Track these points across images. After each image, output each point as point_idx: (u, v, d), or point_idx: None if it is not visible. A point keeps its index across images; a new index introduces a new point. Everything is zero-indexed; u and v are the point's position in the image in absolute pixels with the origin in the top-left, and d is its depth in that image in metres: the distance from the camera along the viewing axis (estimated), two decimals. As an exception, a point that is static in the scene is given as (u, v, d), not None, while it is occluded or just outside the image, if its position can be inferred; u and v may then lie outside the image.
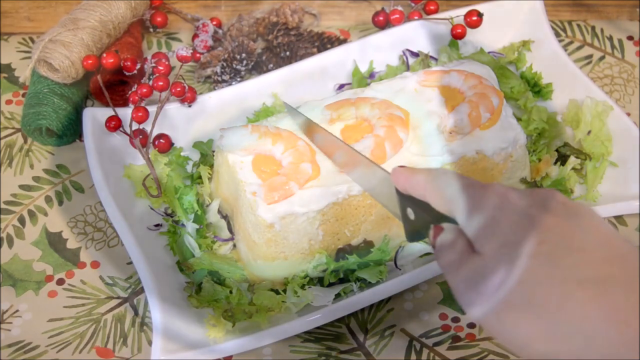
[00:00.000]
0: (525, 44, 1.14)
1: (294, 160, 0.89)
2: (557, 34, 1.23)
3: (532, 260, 0.55)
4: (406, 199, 0.67)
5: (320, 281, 0.92)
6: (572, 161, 1.01)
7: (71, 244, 0.98)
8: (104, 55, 1.05)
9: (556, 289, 0.53)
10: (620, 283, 0.53)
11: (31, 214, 1.01)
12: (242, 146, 0.90)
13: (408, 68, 1.12)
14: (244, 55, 1.13)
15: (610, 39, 1.23)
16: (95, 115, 1.01)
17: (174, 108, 1.04)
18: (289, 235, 0.87)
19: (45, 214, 1.01)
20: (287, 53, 1.16)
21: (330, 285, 0.91)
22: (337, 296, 0.90)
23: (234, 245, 0.96)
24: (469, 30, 1.12)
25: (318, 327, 0.90)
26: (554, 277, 0.54)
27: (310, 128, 0.90)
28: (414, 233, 0.67)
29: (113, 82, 1.10)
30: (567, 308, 0.53)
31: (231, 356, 0.87)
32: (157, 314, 0.83)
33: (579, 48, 1.22)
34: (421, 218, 0.65)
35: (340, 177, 0.89)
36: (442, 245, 0.62)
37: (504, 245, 0.56)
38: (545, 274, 0.54)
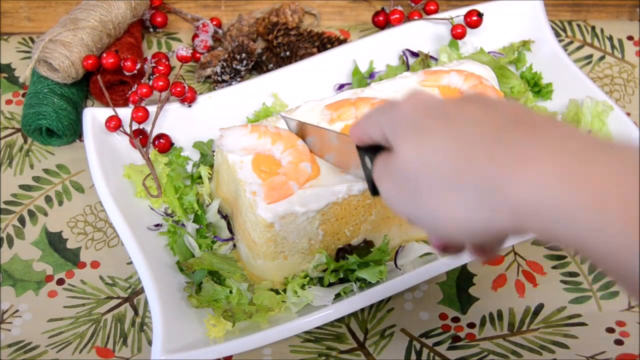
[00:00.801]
0: (525, 44, 1.14)
1: (294, 159, 0.89)
2: (557, 34, 1.23)
3: (436, 137, 0.55)
4: (364, 150, 0.68)
5: (320, 281, 0.92)
6: (572, 161, 1.01)
7: (71, 244, 0.98)
8: (104, 55, 1.05)
9: (461, 157, 0.54)
10: (529, 140, 0.52)
11: (31, 214, 1.01)
12: (242, 146, 0.90)
13: (408, 68, 1.12)
14: (244, 55, 1.13)
15: (610, 39, 1.23)
16: (95, 115, 1.01)
17: (174, 108, 1.04)
18: (289, 234, 0.87)
19: (46, 214, 1.01)
20: (287, 53, 1.16)
21: (330, 285, 0.91)
22: (337, 296, 0.90)
23: (234, 245, 0.96)
24: (469, 30, 1.12)
25: (318, 327, 0.90)
26: (463, 150, 0.54)
27: (302, 131, 0.91)
28: (374, 182, 0.67)
29: (113, 82, 1.10)
30: (472, 171, 0.53)
31: (231, 356, 0.87)
32: (157, 314, 0.83)
33: (579, 48, 1.22)
34: (373, 137, 0.66)
35: (340, 177, 0.89)
36: (374, 165, 0.64)
37: (412, 133, 0.57)
38: (449, 148, 0.54)
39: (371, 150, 0.67)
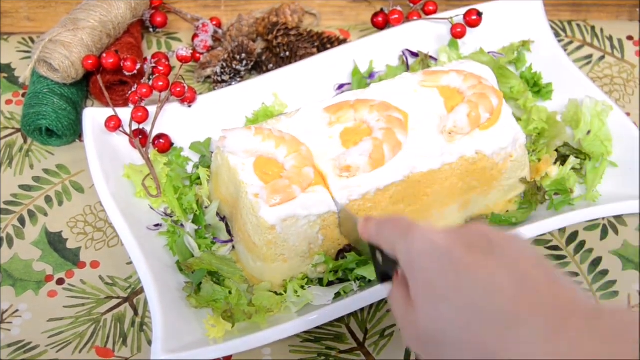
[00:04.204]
0: (525, 44, 1.14)
1: (297, 164, 0.89)
2: (557, 34, 1.23)
3: (450, 308, 0.59)
4: (373, 245, 0.72)
5: (319, 282, 0.92)
6: (572, 161, 1.01)
7: (71, 244, 0.98)
8: (104, 55, 1.06)
9: (473, 334, 0.57)
10: (529, 322, 0.55)
11: (31, 214, 1.01)
12: (245, 148, 0.90)
13: (408, 68, 1.12)
14: (243, 55, 1.13)
15: (610, 39, 1.23)
16: (95, 116, 1.01)
17: (173, 108, 1.04)
18: (290, 237, 0.87)
19: (45, 214, 1.01)
20: (287, 53, 1.16)
21: (330, 284, 0.91)
22: (337, 295, 0.90)
23: (233, 247, 0.96)
24: (468, 30, 1.12)
25: (318, 327, 0.90)
26: (473, 324, 0.57)
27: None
28: (383, 275, 0.71)
29: (113, 82, 1.10)
30: (483, 349, 0.57)
31: (231, 356, 0.88)
32: (157, 314, 0.83)
33: (578, 48, 1.22)
34: (387, 261, 0.69)
35: (341, 182, 0.89)
36: (390, 296, 0.67)
37: (430, 294, 0.60)
38: (464, 321, 0.58)
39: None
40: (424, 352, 0.62)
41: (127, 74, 1.07)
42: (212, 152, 1.01)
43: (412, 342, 0.63)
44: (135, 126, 1.00)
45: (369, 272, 0.90)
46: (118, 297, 0.94)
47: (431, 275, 0.60)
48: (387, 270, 0.70)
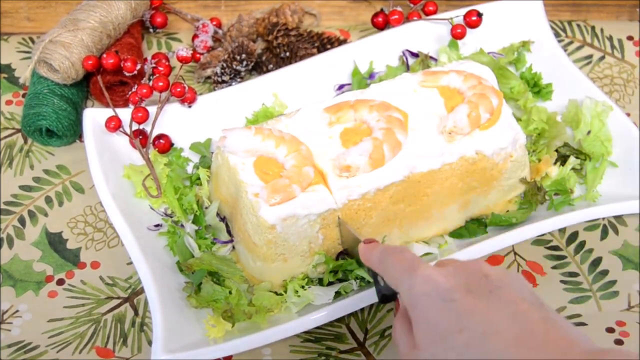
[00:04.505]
0: (525, 45, 1.14)
1: (297, 163, 0.89)
2: (557, 34, 1.23)
3: (454, 350, 0.61)
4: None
5: (319, 282, 0.92)
6: (572, 161, 1.01)
7: (71, 245, 0.98)
8: (104, 55, 1.06)
9: None
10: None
11: (31, 214, 1.01)
12: (245, 148, 0.90)
13: (408, 68, 1.13)
14: (243, 55, 1.13)
15: (610, 39, 1.23)
16: (95, 116, 1.01)
17: (174, 108, 1.04)
18: (290, 237, 0.87)
19: (46, 215, 1.01)
20: (287, 53, 1.16)
21: (330, 284, 0.91)
22: (337, 295, 0.90)
23: (233, 247, 0.96)
24: (468, 30, 1.12)
25: (318, 327, 0.90)
26: None
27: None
28: (384, 297, 0.73)
29: (113, 83, 1.10)
30: None
31: (231, 356, 0.88)
32: (158, 314, 0.84)
33: (578, 48, 1.22)
34: (387, 287, 0.72)
35: (340, 182, 0.89)
36: (394, 329, 0.70)
37: (432, 335, 0.63)
38: None
39: None
40: None
41: (127, 74, 1.07)
42: (213, 153, 1.01)
43: None
44: (135, 126, 1.00)
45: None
46: (118, 298, 0.94)
47: (433, 317, 0.63)
48: (387, 293, 0.72)
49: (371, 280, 0.89)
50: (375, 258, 0.73)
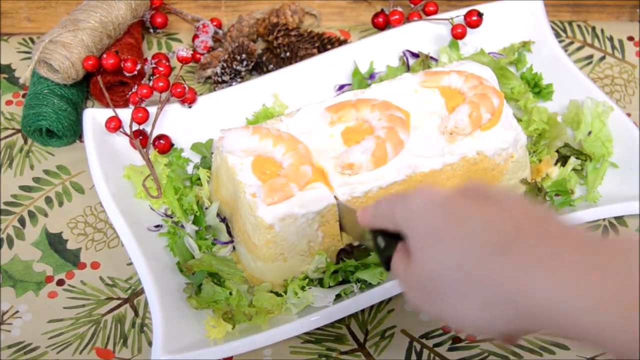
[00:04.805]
0: (525, 45, 1.13)
1: (295, 162, 0.88)
2: (558, 35, 1.23)
3: (450, 248, 0.59)
4: (375, 231, 0.72)
5: (320, 282, 0.92)
6: (573, 162, 1.01)
7: (71, 245, 0.98)
8: (104, 56, 1.05)
9: (473, 267, 0.57)
10: (530, 246, 0.56)
11: (31, 214, 1.01)
12: (242, 147, 0.90)
13: (408, 69, 1.12)
14: (244, 55, 1.13)
15: (611, 39, 1.23)
16: (95, 116, 1.01)
17: (174, 109, 1.04)
18: (289, 236, 0.87)
19: (46, 215, 1.01)
20: (288, 54, 1.16)
21: (331, 286, 0.91)
22: (338, 297, 0.90)
23: (233, 248, 0.96)
24: (469, 30, 1.12)
25: (318, 328, 0.90)
26: (474, 258, 0.57)
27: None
28: (387, 260, 0.70)
29: (113, 83, 1.10)
30: (485, 280, 0.57)
31: (231, 357, 0.87)
32: (158, 315, 0.84)
33: (579, 49, 1.22)
34: (388, 243, 0.69)
35: (342, 179, 0.89)
36: (392, 265, 0.67)
37: (429, 240, 0.61)
38: (462, 258, 0.58)
39: (379, 230, 0.70)
40: (427, 302, 0.62)
41: (127, 74, 1.07)
42: (213, 153, 1.01)
43: (414, 295, 0.63)
44: (135, 127, 1.00)
45: (370, 275, 0.89)
46: (118, 298, 0.94)
47: (430, 223, 0.61)
48: (390, 254, 0.69)
49: (373, 283, 0.89)
50: (370, 210, 0.70)
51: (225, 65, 1.13)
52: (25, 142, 1.09)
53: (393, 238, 0.68)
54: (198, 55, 1.15)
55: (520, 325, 0.57)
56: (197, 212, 0.96)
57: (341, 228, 0.90)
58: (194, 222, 0.96)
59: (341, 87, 1.11)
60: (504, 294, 0.56)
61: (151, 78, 1.06)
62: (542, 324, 0.55)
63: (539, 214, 0.59)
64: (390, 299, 0.93)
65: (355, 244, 0.92)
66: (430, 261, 0.60)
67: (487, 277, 0.57)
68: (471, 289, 0.57)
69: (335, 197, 0.88)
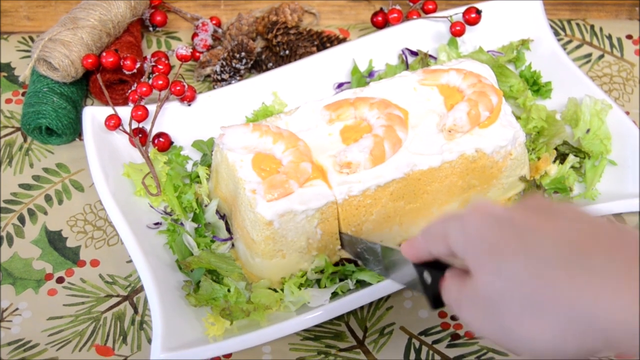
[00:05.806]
0: (524, 43, 1.14)
1: (295, 159, 0.89)
2: (556, 33, 1.23)
3: (514, 262, 0.55)
4: (420, 266, 0.68)
5: (318, 282, 0.92)
6: (571, 159, 1.01)
7: (71, 243, 0.98)
8: (104, 54, 1.06)
9: (543, 283, 0.54)
10: (603, 262, 0.53)
11: (31, 212, 1.01)
12: (243, 144, 0.90)
13: (407, 67, 1.13)
14: (243, 54, 1.13)
15: (610, 37, 1.23)
16: (94, 114, 1.01)
17: (173, 107, 1.05)
18: (288, 233, 0.87)
19: (45, 213, 1.01)
20: (287, 52, 1.16)
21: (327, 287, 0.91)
22: (334, 295, 0.90)
23: (232, 245, 0.96)
24: (468, 29, 1.12)
25: (317, 325, 0.90)
26: (539, 274, 0.54)
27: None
28: (435, 297, 0.67)
29: (113, 81, 1.10)
30: (557, 297, 0.53)
31: (230, 354, 0.88)
32: (157, 312, 0.84)
33: (578, 47, 1.22)
34: (435, 276, 0.66)
35: (340, 177, 0.89)
36: (444, 291, 0.64)
37: (490, 257, 0.57)
38: (529, 273, 0.54)
39: (427, 265, 0.67)
40: (483, 321, 0.59)
41: (126, 72, 1.07)
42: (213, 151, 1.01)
43: (472, 316, 0.60)
44: (135, 125, 1.01)
45: (369, 276, 0.90)
46: (118, 296, 0.94)
47: (492, 241, 0.57)
48: (436, 287, 0.66)
49: (372, 283, 0.89)
50: (418, 240, 0.66)
51: (224, 63, 1.13)
52: (25, 140, 1.09)
53: (439, 271, 0.65)
54: (197, 54, 1.16)
55: (595, 346, 0.53)
56: (196, 209, 0.97)
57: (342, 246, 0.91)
58: (193, 220, 0.96)
59: (340, 86, 1.11)
60: (580, 310, 0.52)
61: (150, 76, 1.06)
62: (619, 344, 0.52)
63: (609, 226, 0.56)
64: (389, 296, 0.93)
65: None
66: (492, 279, 0.57)
67: (559, 292, 0.53)
68: (541, 308, 0.54)
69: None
